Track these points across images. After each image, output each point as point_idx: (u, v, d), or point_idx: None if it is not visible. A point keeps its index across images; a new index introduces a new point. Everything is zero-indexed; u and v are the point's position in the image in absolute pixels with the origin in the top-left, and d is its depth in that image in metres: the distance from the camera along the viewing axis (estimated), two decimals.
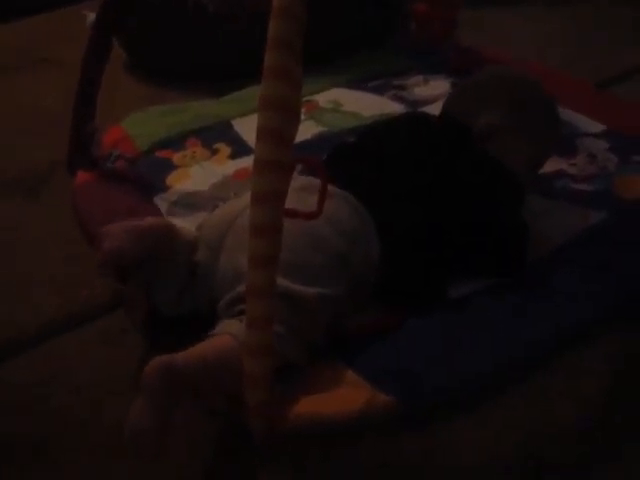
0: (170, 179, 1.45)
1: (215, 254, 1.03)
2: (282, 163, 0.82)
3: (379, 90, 1.76)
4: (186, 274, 1.05)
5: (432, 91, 1.38)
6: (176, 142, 1.57)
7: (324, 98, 1.72)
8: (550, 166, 1.41)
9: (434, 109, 1.42)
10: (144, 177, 1.45)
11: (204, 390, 0.89)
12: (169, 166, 1.49)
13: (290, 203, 0.83)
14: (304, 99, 1.67)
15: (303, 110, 1.63)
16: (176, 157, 1.52)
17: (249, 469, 0.88)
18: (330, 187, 0.92)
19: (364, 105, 1.68)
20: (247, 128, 1.56)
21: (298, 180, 0.83)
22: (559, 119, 1.32)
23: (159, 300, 1.05)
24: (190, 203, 1.36)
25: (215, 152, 1.53)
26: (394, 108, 1.65)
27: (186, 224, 1.27)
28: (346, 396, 0.93)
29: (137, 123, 1.65)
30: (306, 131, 1.57)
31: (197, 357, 0.88)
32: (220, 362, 0.88)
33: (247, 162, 1.41)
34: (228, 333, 0.91)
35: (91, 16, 1.80)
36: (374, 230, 1.06)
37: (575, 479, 0.86)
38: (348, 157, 1.21)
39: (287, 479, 0.87)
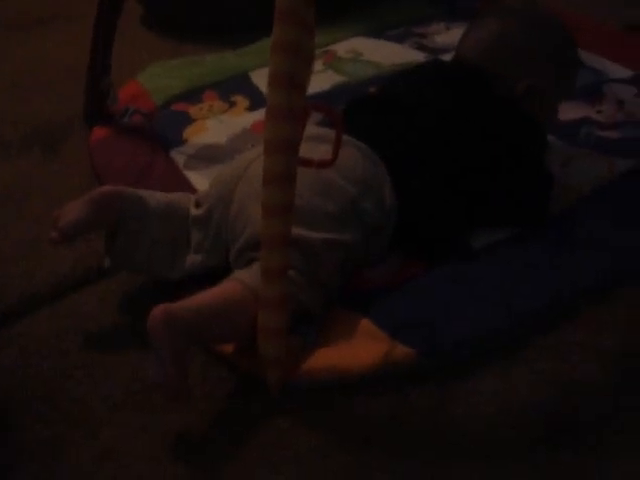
0: (187, 132, 1.43)
1: (227, 205, 1.02)
2: (295, 109, 0.80)
3: (399, 38, 1.72)
4: (168, 235, 1.04)
5: (453, 38, 1.34)
6: (193, 95, 1.55)
7: (343, 48, 1.69)
8: (576, 113, 1.38)
9: None
10: (161, 132, 1.43)
11: (212, 336, 0.89)
12: (186, 119, 1.47)
13: (300, 152, 0.80)
14: (323, 49, 1.67)
15: (322, 60, 1.63)
16: (193, 110, 1.50)
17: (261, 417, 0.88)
18: (343, 136, 0.90)
19: (384, 54, 1.64)
20: (265, 80, 1.51)
21: (309, 129, 0.81)
22: (580, 62, 1.28)
23: (147, 267, 1.04)
24: (207, 156, 1.34)
25: (232, 104, 1.51)
26: (415, 56, 1.61)
27: (203, 177, 1.27)
28: (365, 348, 0.91)
29: (153, 77, 1.63)
30: (325, 81, 1.54)
31: (200, 303, 0.88)
32: (226, 307, 0.88)
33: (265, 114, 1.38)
34: (236, 279, 0.91)
35: None
36: (389, 180, 1.04)
37: (593, 433, 0.84)
38: (366, 108, 1.18)
39: (292, 430, 0.86)
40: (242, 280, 0.90)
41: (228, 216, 1.01)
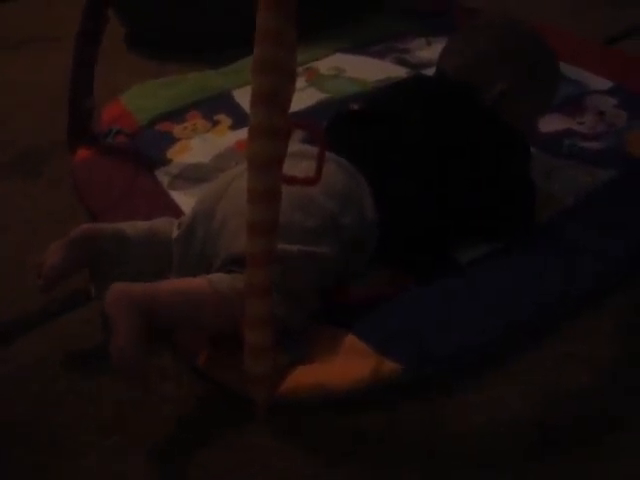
0: (171, 152, 1.43)
1: (210, 221, 1.02)
2: (278, 127, 0.80)
3: (381, 54, 1.73)
4: (151, 263, 1.04)
5: (435, 53, 1.35)
6: (176, 115, 1.55)
7: (325, 65, 1.70)
8: (558, 125, 1.39)
9: None
10: (145, 152, 1.43)
11: (168, 318, 0.90)
12: (170, 139, 1.47)
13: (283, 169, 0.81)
14: (305, 66, 1.67)
15: (304, 78, 1.64)
16: (177, 130, 1.50)
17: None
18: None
19: (367, 70, 1.65)
20: (248, 98, 1.51)
21: (290, 146, 0.82)
22: (560, 73, 1.29)
23: None
24: (192, 176, 1.34)
25: (216, 123, 1.51)
26: (397, 72, 1.62)
27: (188, 197, 1.27)
28: (352, 364, 0.91)
29: (136, 97, 1.64)
30: (308, 98, 1.55)
31: (160, 285, 0.91)
32: (185, 292, 0.91)
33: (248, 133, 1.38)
34: (203, 277, 0.93)
35: None
36: (369, 194, 1.04)
37: (584, 445, 0.84)
38: (348, 123, 1.18)
39: (278, 447, 0.86)
40: (209, 279, 0.92)
41: (211, 232, 1.01)
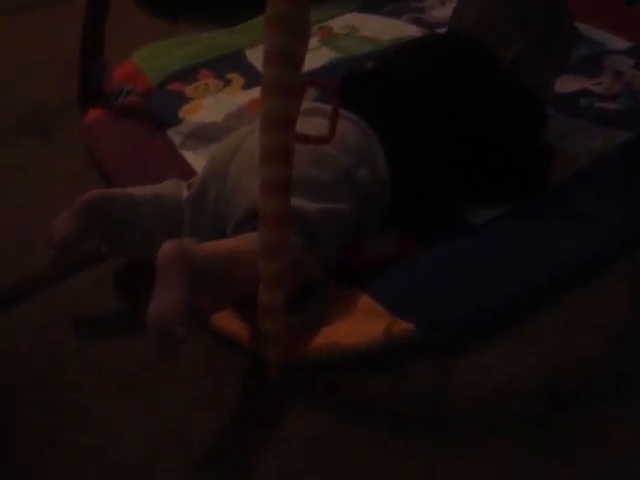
0: (183, 112, 1.42)
1: (223, 180, 1.01)
2: (291, 85, 0.79)
3: (395, 13, 1.71)
4: (161, 225, 1.03)
5: (449, 13, 1.34)
6: (188, 74, 1.54)
7: (339, 24, 1.68)
8: (575, 85, 1.37)
9: None
10: (157, 111, 1.43)
11: (220, 284, 0.87)
12: (182, 99, 1.47)
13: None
14: (318, 25, 1.66)
15: (317, 37, 1.62)
16: (188, 89, 1.49)
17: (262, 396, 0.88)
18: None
19: (380, 29, 1.63)
20: (260, 58, 1.50)
21: (303, 104, 0.81)
22: (577, 33, 1.27)
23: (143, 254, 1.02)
24: (204, 135, 1.34)
25: (228, 83, 1.50)
26: (411, 31, 1.61)
27: (200, 157, 1.26)
28: (364, 324, 0.91)
29: (148, 56, 1.62)
30: (321, 57, 1.54)
31: (213, 247, 0.88)
32: (237, 255, 0.87)
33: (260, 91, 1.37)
34: (247, 235, 0.91)
35: None
36: (382, 152, 1.03)
37: (592, 409, 0.84)
38: (362, 82, 1.17)
39: (294, 410, 0.86)
40: (249, 237, 0.89)
41: (224, 191, 1.01)
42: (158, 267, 0.81)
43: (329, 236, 0.96)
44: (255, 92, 1.42)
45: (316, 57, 1.51)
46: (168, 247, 0.82)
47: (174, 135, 1.35)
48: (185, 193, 1.05)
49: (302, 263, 0.90)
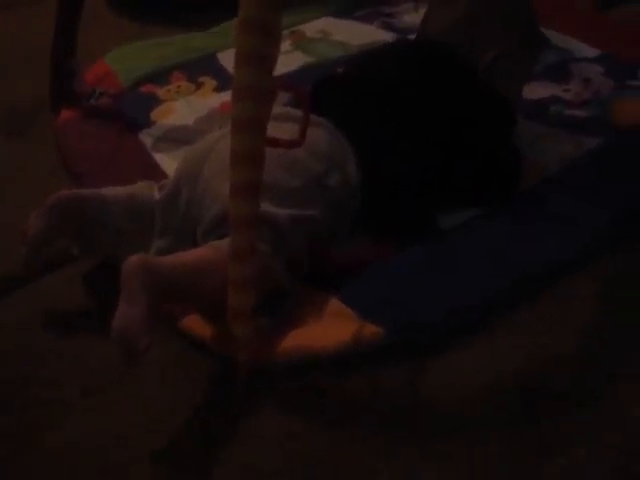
0: (155, 114, 1.42)
1: (194, 183, 1.01)
2: (262, 88, 0.79)
3: (368, 19, 1.72)
4: (132, 226, 1.03)
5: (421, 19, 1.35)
6: (161, 76, 1.54)
7: (312, 28, 1.69)
8: (543, 91, 1.38)
9: None
10: (128, 113, 1.42)
11: (183, 294, 0.89)
12: (154, 101, 1.46)
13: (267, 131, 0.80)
14: (291, 29, 1.66)
15: (290, 41, 1.62)
16: (161, 92, 1.49)
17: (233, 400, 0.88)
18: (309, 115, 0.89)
19: (353, 34, 1.64)
20: (233, 61, 1.51)
21: (274, 109, 0.81)
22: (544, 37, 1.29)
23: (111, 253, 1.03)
24: (175, 138, 1.34)
25: (200, 86, 1.50)
26: (383, 36, 1.61)
27: (171, 159, 1.26)
28: (334, 327, 0.92)
29: (121, 58, 1.62)
30: (294, 61, 1.54)
31: (175, 259, 0.88)
32: (200, 265, 0.88)
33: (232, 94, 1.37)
34: (209, 245, 0.92)
35: None
36: (353, 158, 1.04)
37: (568, 407, 0.85)
38: (333, 87, 1.18)
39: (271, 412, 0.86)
40: (216, 245, 0.90)
41: (196, 193, 1.01)
42: (122, 280, 0.82)
43: (298, 241, 0.96)
44: (227, 95, 1.39)
45: (289, 61, 1.52)
46: (132, 261, 0.83)
47: (145, 137, 1.35)
48: (157, 195, 1.05)
49: (270, 269, 0.90)
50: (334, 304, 0.95)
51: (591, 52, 1.52)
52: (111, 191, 1.06)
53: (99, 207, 1.03)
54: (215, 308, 0.88)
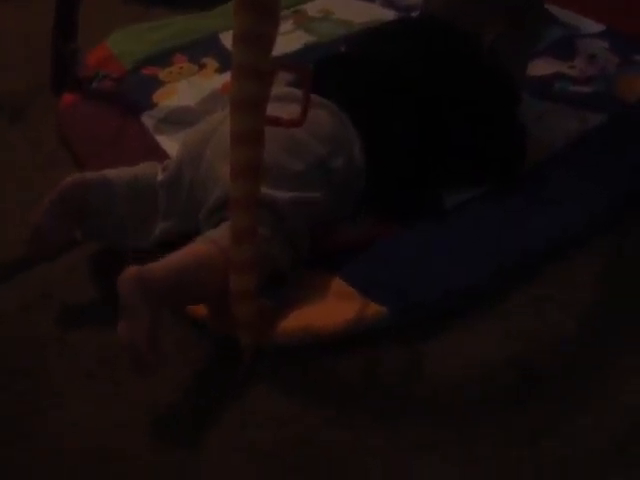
0: (157, 96, 1.41)
1: (197, 165, 1.01)
2: (261, 68, 0.79)
3: None
4: (137, 208, 1.03)
5: None
6: (162, 58, 1.52)
7: (313, 7, 1.67)
8: (548, 68, 1.37)
9: None
10: (130, 96, 1.41)
11: (183, 297, 0.88)
12: (155, 83, 1.45)
13: (269, 111, 0.79)
14: (292, 9, 1.64)
15: (292, 20, 1.61)
16: (162, 74, 1.48)
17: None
18: (312, 96, 0.89)
19: (355, 13, 1.62)
20: None
21: (277, 89, 0.80)
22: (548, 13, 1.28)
23: (121, 239, 1.03)
24: (178, 119, 1.33)
25: (202, 67, 1.49)
26: (385, 14, 1.59)
27: (173, 141, 1.25)
28: (337, 307, 0.91)
29: (122, 41, 1.60)
30: (296, 41, 1.52)
31: (171, 262, 0.87)
32: (196, 265, 0.87)
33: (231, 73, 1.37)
34: (205, 238, 0.90)
35: None
36: (358, 139, 1.03)
37: (565, 389, 0.85)
38: (335, 67, 1.17)
39: (268, 394, 0.86)
40: (212, 239, 0.89)
41: (199, 175, 1.00)
42: (120, 295, 0.81)
43: (299, 224, 0.96)
44: (229, 76, 1.41)
45: (291, 41, 1.50)
46: (125, 276, 0.82)
47: (148, 119, 1.34)
48: (160, 176, 1.05)
49: (268, 254, 0.89)
50: (336, 283, 0.95)
51: (595, 27, 1.50)
52: (114, 172, 1.05)
53: (104, 191, 1.02)
54: (219, 299, 0.88)
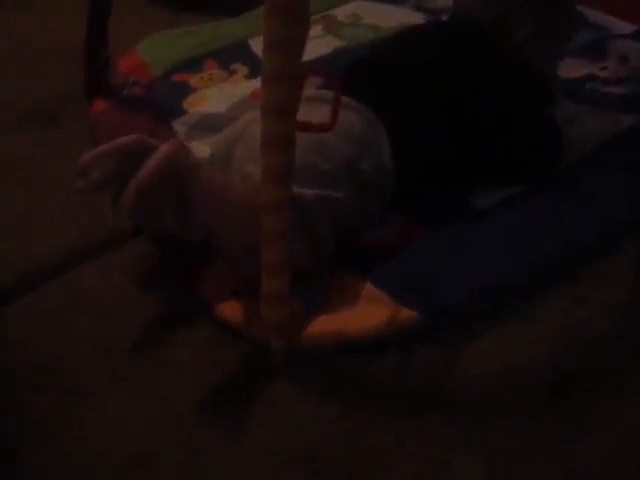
0: (187, 102, 1.42)
1: (226, 167, 1.01)
2: (292, 73, 0.79)
3: (399, 1, 1.70)
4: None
5: None
6: (193, 65, 1.54)
7: (343, 12, 1.67)
8: (580, 70, 1.37)
9: None
10: (161, 102, 1.43)
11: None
12: (186, 89, 1.46)
13: (298, 114, 0.79)
14: (322, 14, 1.65)
15: (321, 25, 1.61)
16: (193, 80, 1.49)
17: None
18: (342, 99, 0.89)
19: (384, 17, 1.63)
20: None
21: (306, 92, 0.81)
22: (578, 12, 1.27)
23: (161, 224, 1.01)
24: (208, 125, 1.33)
25: (232, 73, 1.50)
26: (415, 18, 1.60)
27: (205, 147, 1.26)
28: (368, 312, 0.91)
29: (153, 47, 1.62)
30: (325, 46, 1.53)
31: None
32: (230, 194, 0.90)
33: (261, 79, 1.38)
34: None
35: None
36: (387, 142, 1.03)
37: (597, 390, 0.84)
38: (366, 70, 1.17)
39: (297, 395, 0.86)
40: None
41: (228, 175, 1.00)
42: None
43: (325, 222, 0.96)
44: (258, 82, 1.41)
45: (321, 45, 1.51)
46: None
47: (179, 126, 1.35)
48: None
49: (293, 250, 0.89)
50: (366, 288, 0.95)
51: (627, 28, 1.49)
52: None
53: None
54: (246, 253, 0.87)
